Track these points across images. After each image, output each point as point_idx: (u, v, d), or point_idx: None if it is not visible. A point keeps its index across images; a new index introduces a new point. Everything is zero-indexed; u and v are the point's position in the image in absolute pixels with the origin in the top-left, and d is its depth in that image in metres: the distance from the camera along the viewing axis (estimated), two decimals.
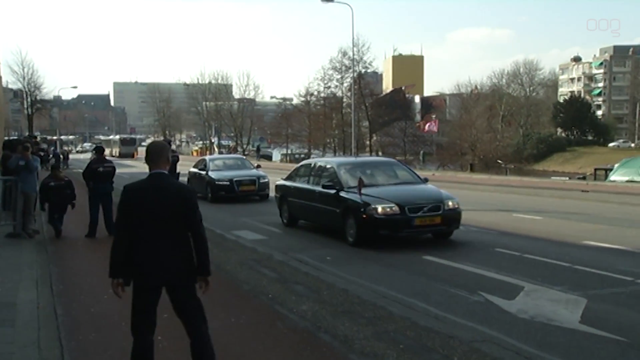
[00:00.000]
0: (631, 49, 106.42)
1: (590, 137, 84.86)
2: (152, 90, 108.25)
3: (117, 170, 14.07)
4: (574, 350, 5.78)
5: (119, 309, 7.22)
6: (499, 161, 63.01)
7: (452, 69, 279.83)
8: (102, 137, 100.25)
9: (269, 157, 72.34)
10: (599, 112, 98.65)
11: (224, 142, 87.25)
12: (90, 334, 6.30)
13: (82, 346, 5.98)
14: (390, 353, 5.52)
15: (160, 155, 4.59)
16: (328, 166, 13.46)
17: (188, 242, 4.49)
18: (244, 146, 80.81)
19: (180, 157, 25.19)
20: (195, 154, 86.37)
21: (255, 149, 75.58)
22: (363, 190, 11.43)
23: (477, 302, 7.58)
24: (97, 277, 9.12)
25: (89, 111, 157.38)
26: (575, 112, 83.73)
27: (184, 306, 4.54)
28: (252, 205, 19.75)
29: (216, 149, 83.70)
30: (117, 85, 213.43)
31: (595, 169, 45.06)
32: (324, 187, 12.44)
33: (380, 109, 70.60)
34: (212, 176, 21.15)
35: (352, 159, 16.92)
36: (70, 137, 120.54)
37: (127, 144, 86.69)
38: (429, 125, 69.41)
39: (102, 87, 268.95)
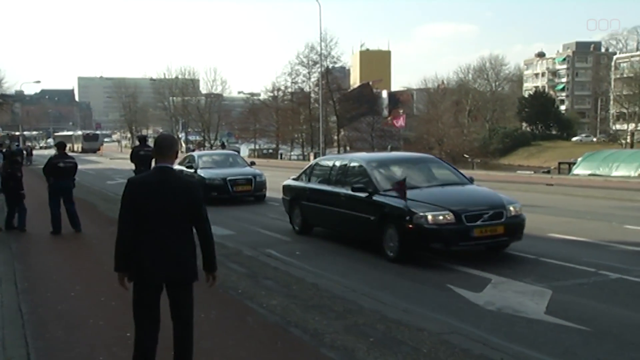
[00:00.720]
0: (592, 46, 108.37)
1: (554, 132, 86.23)
2: (117, 85, 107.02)
3: (83, 167, 13.93)
4: (539, 340, 5.89)
5: (86, 306, 7.18)
6: (466, 155, 63.76)
7: (419, 64, 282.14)
8: (63, 133, 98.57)
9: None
10: (563, 107, 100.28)
11: (191, 138, 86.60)
12: (57, 332, 6.22)
13: (49, 345, 5.89)
14: (361, 346, 5.55)
15: (170, 149, 4.51)
16: (354, 164, 11.33)
17: (192, 237, 4.45)
18: (212, 142, 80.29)
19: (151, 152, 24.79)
20: None
21: (220, 144, 74.99)
22: (389, 193, 9.71)
23: (446, 295, 7.67)
24: (64, 274, 9.02)
25: (53, 106, 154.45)
26: (540, 107, 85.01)
27: (181, 302, 4.51)
28: (248, 207, 17.62)
29: (183, 145, 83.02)
30: (81, 80, 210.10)
31: (559, 163, 45.88)
32: (354, 189, 10.30)
33: (348, 104, 70.82)
34: (202, 175, 18.59)
35: (381, 155, 14.03)
36: (34, 132, 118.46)
37: (89, 140, 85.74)
38: (396, 121, 69.83)
39: (66, 82, 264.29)
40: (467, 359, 5.21)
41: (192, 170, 19.07)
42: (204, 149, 78.77)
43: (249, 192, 18.60)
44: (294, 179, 13.36)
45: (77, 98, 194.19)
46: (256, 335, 6.06)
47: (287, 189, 13.40)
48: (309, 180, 12.55)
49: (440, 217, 9.05)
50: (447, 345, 5.57)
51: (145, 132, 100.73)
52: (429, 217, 9.04)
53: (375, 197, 9.96)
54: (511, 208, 9.50)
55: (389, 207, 9.60)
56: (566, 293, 7.38)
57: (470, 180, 10.88)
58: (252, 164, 20.98)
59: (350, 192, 10.49)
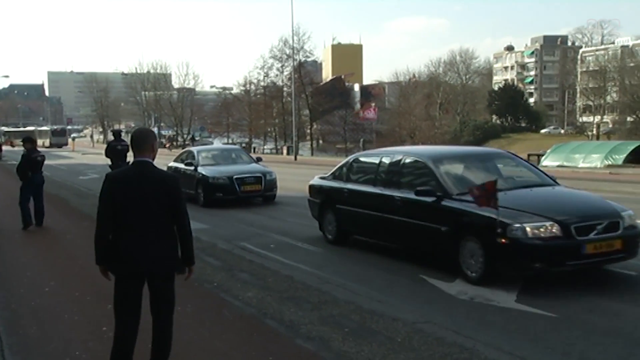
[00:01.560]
0: (559, 39, 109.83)
1: (523, 124, 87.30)
2: (88, 80, 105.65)
3: (55, 162, 13.83)
4: (510, 327, 6.00)
5: (61, 301, 7.11)
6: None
7: (391, 57, 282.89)
8: (30, 128, 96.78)
9: None
10: (531, 100, 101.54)
11: (164, 132, 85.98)
12: (31, 328, 6.15)
13: (23, 340, 5.83)
14: (336, 337, 5.60)
15: (145, 142, 4.47)
16: (411, 161, 9.22)
17: (172, 231, 4.42)
18: (184, 136, 79.79)
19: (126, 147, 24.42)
20: None
21: (190, 138, 74.45)
22: (466, 197, 7.67)
23: (419, 286, 7.75)
24: (37, 270, 8.91)
25: (22, 101, 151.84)
26: (509, 99, 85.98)
27: (162, 296, 4.49)
28: (258, 209, 15.49)
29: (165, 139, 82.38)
30: (51, 75, 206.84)
31: (529, 155, 46.41)
32: (418, 192, 8.27)
33: (321, 98, 70.81)
34: (205, 173, 16.48)
35: (444, 149, 11.27)
36: (3, 128, 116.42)
37: (57, 135, 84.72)
38: (367, 112, 70.05)
39: (35, 76, 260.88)
40: (440, 347, 5.28)
41: (192, 168, 16.98)
42: (176, 144, 78.53)
43: (259, 192, 16.42)
44: (322, 178, 11.38)
45: (47, 93, 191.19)
46: (232, 327, 6.07)
47: (316, 190, 11.31)
48: (347, 180, 10.47)
49: (543, 230, 7.15)
50: (421, 334, 5.64)
51: (117, 126, 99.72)
52: (528, 230, 7.12)
53: (447, 203, 7.98)
54: (627, 217, 7.63)
55: (470, 215, 7.60)
56: (536, 282, 7.50)
57: (555, 181, 8.94)
58: (259, 159, 18.66)
59: (410, 195, 8.52)
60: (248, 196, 16.31)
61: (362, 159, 11.04)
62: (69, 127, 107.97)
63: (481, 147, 12.10)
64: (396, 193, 8.93)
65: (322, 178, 11.39)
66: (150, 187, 4.36)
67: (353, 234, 10.38)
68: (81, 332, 6.00)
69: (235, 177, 16.06)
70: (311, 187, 11.56)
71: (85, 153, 59.88)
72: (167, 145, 74.50)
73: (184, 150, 22.59)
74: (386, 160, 9.68)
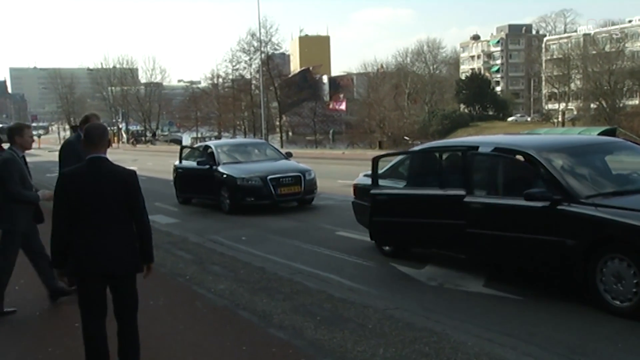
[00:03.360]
0: (524, 28, 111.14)
1: (490, 112, 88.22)
2: (53, 75, 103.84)
3: None
4: (478, 311, 6.15)
5: (32, 299, 7.06)
6: (406, 138, 64.62)
7: (358, 48, 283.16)
8: None
9: (178, 142, 70.99)
10: (498, 88, 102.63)
11: (132, 128, 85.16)
12: (3, 326, 6.12)
13: None
14: (308, 325, 5.68)
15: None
16: (506, 154, 7.18)
17: (132, 228, 4.34)
18: (155, 131, 79.16)
19: None
20: None
21: (152, 135, 72.98)
22: (611, 202, 6.01)
23: (389, 273, 7.88)
24: None
25: None
26: (477, 88, 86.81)
27: (124, 297, 4.39)
28: (291, 215, 13.11)
29: (124, 135, 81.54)
30: (14, 71, 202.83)
31: None
32: (529, 196, 6.25)
33: (290, 90, 70.80)
34: (230, 173, 13.86)
35: (547, 138, 8.56)
36: None
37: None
38: (337, 104, 70.38)
39: None
40: (410, 332, 5.40)
41: (209, 167, 14.39)
42: (144, 139, 77.81)
43: (298, 195, 13.91)
44: (367, 176, 9.23)
45: (10, 90, 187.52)
46: (205, 319, 6.13)
47: (364, 191, 8.95)
48: (407, 181, 8.39)
49: None
50: (391, 320, 5.75)
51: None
52: None
53: (574, 209, 6.08)
54: None
55: (617, 226, 5.81)
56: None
57: None
58: (289, 155, 15.85)
59: (513, 201, 6.58)
60: (285, 199, 13.92)
61: (428, 153, 8.55)
62: (34, 124, 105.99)
63: (591, 136, 11.23)
64: (490, 200, 6.98)
65: (366, 176, 9.33)
66: (107, 183, 4.26)
67: (421, 247, 8.39)
68: (54, 329, 5.99)
69: (269, 177, 13.52)
70: (357, 187, 9.65)
71: (52, 150, 58.95)
72: (132, 141, 73.79)
73: (196, 145, 20.50)
74: (461, 154, 7.42)
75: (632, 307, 5.62)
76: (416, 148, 9.66)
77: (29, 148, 6.72)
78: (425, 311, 6.14)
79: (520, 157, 7.04)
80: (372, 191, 8.19)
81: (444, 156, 8.10)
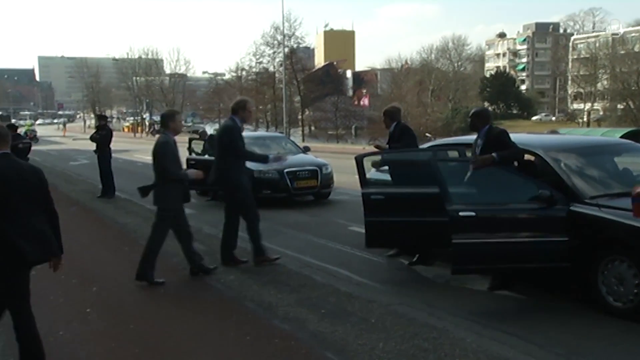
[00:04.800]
0: (551, 26, 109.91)
1: (515, 111, 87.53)
2: (79, 65, 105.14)
3: (45, 147, 13.97)
4: (480, 308, 6.22)
5: (46, 284, 7.23)
6: (428, 134, 64.34)
7: (383, 44, 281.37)
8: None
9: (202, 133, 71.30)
10: (523, 87, 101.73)
11: (156, 118, 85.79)
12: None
13: (8, 321, 5.90)
14: (312, 318, 5.79)
15: (7, 137, 4.49)
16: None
17: (46, 219, 4.53)
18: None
19: (113, 133, 23.76)
20: (126, 129, 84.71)
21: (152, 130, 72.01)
22: (614, 204, 5.99)
23: (398, 269, 7.96)
24: None
25: (12, 86, 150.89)
26: (501, 86, 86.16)
27: (25, 286, 4.56)
28: (306, 209, 13.26)
29: (147, 124, 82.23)
30: (42, 60, 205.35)
31: None
32: (538, 197, 6.11)
33: (312, 84, 70.75)
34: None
35: (555, 138, 8.60)
36: None
37: (5, 120, 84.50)
38: (363, 100, 70.38)
39: (26, 61, 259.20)
40: (411, 327, 5.48)
41: None
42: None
43: (314, 189, 14.10)
44: (379, 171, 8.83)
45: (37, 78, 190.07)
46: (212, 309, 6.26)
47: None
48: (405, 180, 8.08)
49: None
50: (394, 315, 5.84)
51: (109, 112, 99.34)
52: None
53: (579, 209, 6.05)
54: None
55: (618, 227, 5.79)
56: None
57: None
58: (307, 149, 15.76)
59: (520, 204, 6.37)
60: (302, 193, 14.15)
61: (425, 152, 8.38)
62: (60, 112, 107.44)
63: (599, 137, 11.09)
64: (492, 196, 6.74)
65: (381, 171, 8.90)
66: (25, 176, 4.43)
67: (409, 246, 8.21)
68: (65, 314, 6.17)
69: (286, 170, 13.49)
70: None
71: (76, 139, 59.78)
72: (151, 131, 74.17)
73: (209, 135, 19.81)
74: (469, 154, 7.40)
75: (633, 309, 5.64)
76: (427, 144, 9.56)
77: (180, 132, 7.46)
78: (428, 307, 6.21)
79: (531, 159, 7.00)
80: (363, 191, 7.79)
81: (453, 154, 8.19)
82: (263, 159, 8.51)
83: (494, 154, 6.48)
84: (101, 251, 9.18)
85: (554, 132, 13.35)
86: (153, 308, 6.33)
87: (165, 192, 7.05)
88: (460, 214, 6.31)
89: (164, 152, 6.96)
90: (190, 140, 16.99)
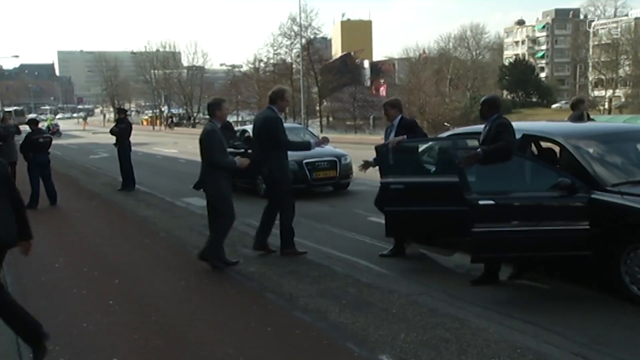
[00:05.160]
0: (571, 12, 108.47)
1: (534, 99, 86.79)
2: (98, 59, 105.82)
3: (66, 142, 14.14)
4: (502, 298, 6.19)
5: (69, 277, 7.38)
6: (446, 124, 63.96)
7: (400, 34, 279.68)
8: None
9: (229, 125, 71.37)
10: (543, 75, 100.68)
11: (174, 111, 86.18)
12: (41, 301, 6.39)
13: (33, 313, 6.00)
14: (333, 308, 5.80)
15: None
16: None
17: (11, 205, 4.73)
18: (195, 114, 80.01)
19: (131, 126, 23.68)
20: (145, 122, 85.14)
21: (207, 116, 73.11)
22: (637, 191, 5.91)
23: (418, 259, 7.95)
24: (47, 247, 9.16)
25: (33, 81, 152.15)
26: (520, 74, 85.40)
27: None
28: (327, 200, 13.26)
29: (165, 117, 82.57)
30: (61, 55, 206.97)
31: None
32: (560, 186, 6.05)
33: (330, 75, 70.55)
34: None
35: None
36: (14, 108, 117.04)
37: (18, 115, 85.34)
38: (381, 90, 70.03)
39: (45, 56, 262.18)
40: (433, 317, 5.48)
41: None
42: (185, 122, 78.79)
43: (333, 180, 14.13)
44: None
45: (57, 72, 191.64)
46: (233, 300, 6.30)
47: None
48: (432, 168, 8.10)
49: None
50: (415, 305, 5.84)
51: (128, 105, 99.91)
52: None
53: (601, 196, 5.97)
54: None
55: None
56: None
57: None
58: (325, 140, 16.77)
59: (541, 192, 6.28)
60: (321, 184, 14.15)
61: (460, 140, 8.05)
62: (79, 106, 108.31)
63: (621, 124, 10.85)
64: (512, 184, 6.72)
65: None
66: None
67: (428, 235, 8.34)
68: (88, 306, 6.24)
69: (305, 161, 13.44)
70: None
71: (96, 132, 60.25)
72: (168, 124, 74.51)
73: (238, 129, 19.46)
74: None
75: None
76: (444, 135, 9.25)
77: (225, 120, 7.78)
78: (449, 297, 6.17)
79: (551, 147, 6.98)
80: (382, 180, 7.92)
81: (466, 143, 7.86)
82: (306, 146, 8.60)
83: (479, 150, 6.46)
84: (123, 244, 9.26)
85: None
86: (175, 300, 6.37)
87: (216, 180, 7.23)
88: (480, 202, 6.24)
89: (210, 140, 7.13)
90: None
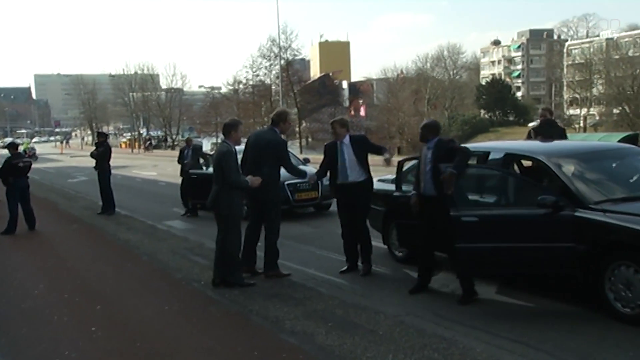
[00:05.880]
0: (545, 33, 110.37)
1: (511, 118, 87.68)
2: (75, 82, 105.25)
3: (43, 165, 13.95)
4: (489, 317, 6.17)
5: (51, 303, 7.24)
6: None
7: (378, 54, 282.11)
8: None
9: (199, 147, 71.17)
10: (519, 94, 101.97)
11: (153, 134, 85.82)
12: (21, 330, 6.27)
13: (14, 341, 5.95)
14: (319, 330, 5.75)
15: None
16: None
17: None
18: (174, 137, 79.76)
19: (110, 149, 23.27)
20: (124, 145, 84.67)
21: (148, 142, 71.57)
22: (619, 208, 5.96)
23: (402, 279, 7.90)
24: (27, 273, 9.04)
25: (9, 104, 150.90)
26: (497, 93, 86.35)
27: None
28: (307, 221, 13.27)
29: (144, 140, 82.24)
30: (38, 78, 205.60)
31: None
32: (541, 202, 6.10)
33: (309, 96, 70.94)
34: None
35: (558, 144, 8.31)
36: None
37: None
38: (360, 110, 70.44)
39: (22, 79, 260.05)
40: (420, 338, 5.45)
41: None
42: (165, 144, 78.48)
43: (315, 201, 14.06)
44: (382, 181, 9.39)
45: (34, 96, 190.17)
46: (219, 324, 6.22)
47: (378, 196, 8.95)
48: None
49: None
50: (402, 326, 5.81)
51: (106, 128, 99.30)
52: None
53: (584, 214, 5.98)
54: None
55: (622, 232, 5.75)
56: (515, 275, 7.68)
57: None
58: (307, 161, 15.58)
59: (521, 210, 6.42)
60: (302, 205, 14.11)
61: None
62: (57, 129, 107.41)
63: (604, 142, 11.57)
64: (491, 203, 6.86)
65: (382, 181, 9.40)
66: None
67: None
68: (71, 333, 6.13)
69: (287, 182, 12.92)
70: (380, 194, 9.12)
71: (74, 156, 59.72)
72: (147, 146, 74.18)
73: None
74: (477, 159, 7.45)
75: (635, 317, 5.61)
76: None
77: (240, 143, 7.79)
78: (436, 317, 6.18)
79: (536, 165, 7.03)
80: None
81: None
82: (302, 175, 9.04)
83: (451, 170, 6.54)
84: (104, 268, 9.12)
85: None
86: (159, 325, 6.28)
87: (230, 200, 7.38)
88: (463, 219, 6.40)
89: (227, 161, 7.28)
90: (182, 151, 16.37)
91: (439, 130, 7.32)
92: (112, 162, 15.66)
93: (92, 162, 15.55)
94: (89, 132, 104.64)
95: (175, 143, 72.71)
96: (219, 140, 76.98)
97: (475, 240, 6.37)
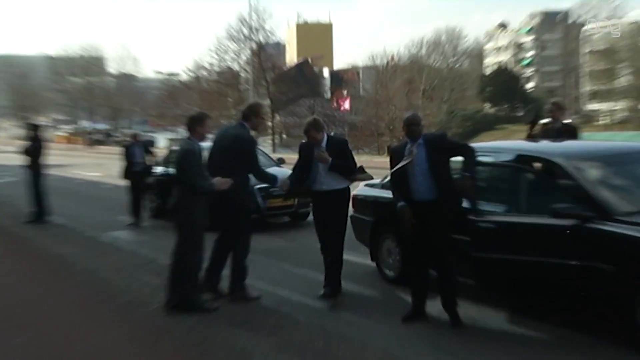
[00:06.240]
0: (561, 15, 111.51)
1: (520, 113, 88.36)
2: (4, 64, 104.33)
3: None
4: (500, 351, 6.12)
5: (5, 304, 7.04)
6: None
7: (365, 37, 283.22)
8: None
9: (150, 143, 71.06)
10: (530, 85, 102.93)
11: (99, 127, 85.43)
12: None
13: None
14: None
15: None
16: (520, 165, 7.20)
17: None
18: (109, 130, 79.69)
19: (45, 144, 22.76)
20: (61, 140, 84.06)
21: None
22: None
23: (394, 304, 7.83)
24: None
25: None
26: (504, 85, 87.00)
27: None
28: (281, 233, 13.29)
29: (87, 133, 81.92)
30: None
31: None
32: (557, 212, 6.15)
33: (284, 85, 71.15)
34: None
35: (580, 144, 8.50)
36: None
37: None
38: (343, 102, 70.75)
39: None
40: None
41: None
42: (109, 139, 78.08)
43: (290, 208, 13.93)
44: (371, 186, 9.31)
45: None
46: (175, 358, 6.09)
47: (365, 204, 9.29)
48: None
49: None
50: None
51: (41, 120, 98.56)
52: None
53: (609, 227, 5.88)
54: None
55: None
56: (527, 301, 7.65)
57: None
58: (281, 161, 15.52)
59: (536, 219, 6.55)
60: (275, 214, 14.01)
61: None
62: None
63: (626, 143, 11.50)
64: (501, 213, 6.96)
65: (370, 186, 9.29)
66: None
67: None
68: None
69: (256, 187, 12.33)
70: (357, 199, 9.42)
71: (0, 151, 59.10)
72: (90, 142, 73.89)
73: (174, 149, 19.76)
74: (484, 160, 7.29)
75: None
76: None
77: (205, 139, 7.68)
78: (435, 350, 6.11)
79: (547, 168, 6.87)
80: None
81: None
82: (272, 181, 8.41)
83: (468, 174, 6.73)
84: (32, 289, 8.93)
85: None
86: (106, 358, 6.11)
87: (191, 206, 7.24)
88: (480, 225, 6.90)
89: (188, 162, 7.20)
90: (127, 147, 15.87)
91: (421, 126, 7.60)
92: (46, 160, 15.41)
93: (22, 160, 15.25)
94: (18, 123, 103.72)
95: (127, 138, 72.45)
96: (178, 136, 77.00)
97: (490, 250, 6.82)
